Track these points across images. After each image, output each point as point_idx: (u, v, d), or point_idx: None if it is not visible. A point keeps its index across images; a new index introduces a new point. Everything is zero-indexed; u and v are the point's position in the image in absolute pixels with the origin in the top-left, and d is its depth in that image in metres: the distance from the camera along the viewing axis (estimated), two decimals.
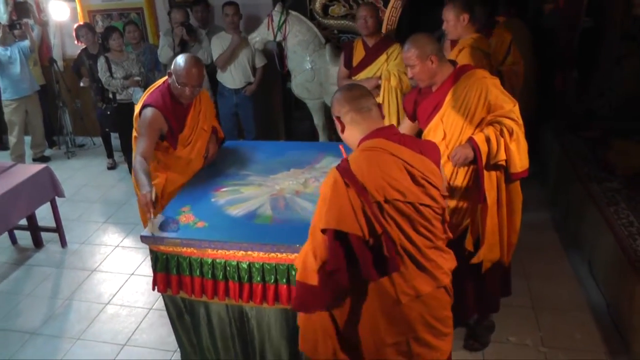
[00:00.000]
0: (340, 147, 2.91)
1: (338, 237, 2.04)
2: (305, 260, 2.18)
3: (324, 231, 2.07)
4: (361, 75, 4.58)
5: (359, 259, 2.05)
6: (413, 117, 3.26)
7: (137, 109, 3.42)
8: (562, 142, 5.05)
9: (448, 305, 2.30)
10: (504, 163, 2.87)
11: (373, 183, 2.07)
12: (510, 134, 2.83)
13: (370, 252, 2.07)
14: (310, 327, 2.32)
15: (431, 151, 2.29)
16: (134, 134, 3.48)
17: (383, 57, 4.54)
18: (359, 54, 4.61)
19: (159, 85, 3.44)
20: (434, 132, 3.01)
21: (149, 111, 3.30)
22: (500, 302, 3.34)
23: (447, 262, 2.26)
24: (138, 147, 3.28)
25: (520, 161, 2.90)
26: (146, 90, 3.51)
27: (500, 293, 3.36)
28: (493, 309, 3.34)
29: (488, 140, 2.81)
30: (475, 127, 2.92)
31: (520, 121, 2.90)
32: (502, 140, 2.81)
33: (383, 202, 2.07)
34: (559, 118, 5.38)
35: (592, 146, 4.80)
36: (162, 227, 2.93)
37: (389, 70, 4.46)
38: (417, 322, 2.21)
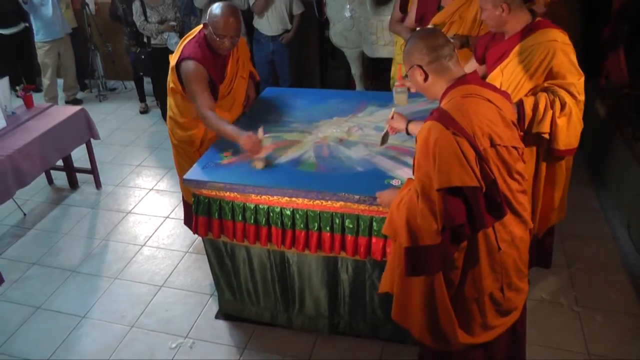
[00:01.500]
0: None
1: (456, 192, 1.98)
2: (413, 223, 2.06)
3: (439, 189, 1.99)
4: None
5: (474, 210, 2.01)
6: (481, 60, 3.15)
7: (172, 60, 3.31)
8: (604, 100, 4.91)
9: (528, 247, 2.32)
10: (546, 136, 2.77)
11: (480, 129, 2.02)
12: (562, 107, 2.71)
13: (483, 200, 2.03)
14: (412, 294, 2.24)
15: (505, 94, 2.28)
16: (170, 84, 3.39)
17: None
18: None
19: (195, 36, 3.31)
20: (493, 82, 2.90)
21: (190, 64, 3.17)
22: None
23: (529, 204, 2.28)
24: (199, 104, 3.13)
25: (566, 138, 2.79)
26: (181, 40, 3.39)
27: (536, 263, 3.32)
28: None
29: (536, 106, 2.70)
30: (531, 89, 2.79)
31: (581, 97, 2.76)
32: (549, 112, 2.71)
33: (489, 148, 2.04)
34: (602, 75, 5.19)
35: (638, 105, 4.65)
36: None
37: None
38: (510, 267, 2.21)
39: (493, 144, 2.06)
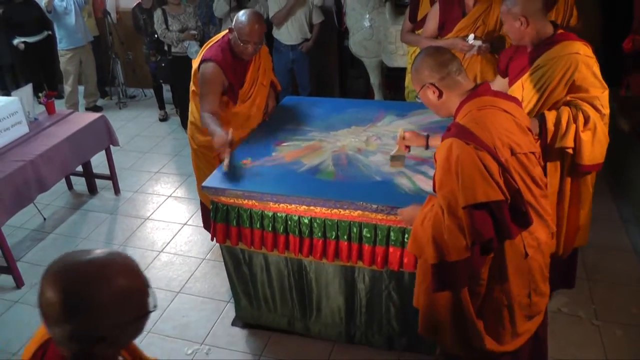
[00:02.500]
0: None
1: (482, 207, 1.99)
2: (440, 240, 2.05)
3: (465, 207, 1.99)
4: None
5: (500, 222, 2.01)
6: (504, 74, 3.11)
7: (195, 64, 3.40)
8: (625, 110, 4.84)
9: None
10: (570, 151, 2.71)
11: (500, 140, 2.03)
12: (586, 122, 2.66)
13: (508, 211, 2.04)
14: (439, 308, 2.25)
15: (515, 100, 2.30)
16: (192, 87, 3.48)
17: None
18: (424, 8, 4.41)
19: (218, 40, 3.40)
20: (513, 95, 2.87)
21: (209, 66, 3.27)
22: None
23: (550, 207, 2.29)
24: (203, 105, 3.25)
25: (591, 154, 2.72)
26: (204, 45, 3.48)
27: (560, 285, 3.29)
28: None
29: (558, 121, 2.65)
30: (553, 103, 2.74)
31: (606, 110, 2.71)
32: (573, 126, 2.65)
33: (510, 157, 2.05)
34: (623, 85, 5.13)
35: None
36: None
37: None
38: (537, 272, 2.23)
39: (513, 153, 2.06)
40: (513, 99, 2.26)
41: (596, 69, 2.72)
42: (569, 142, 2.68)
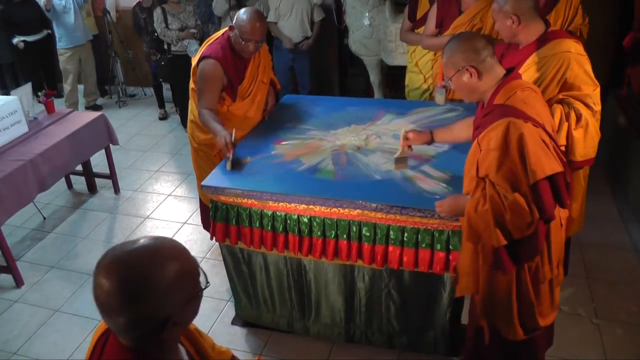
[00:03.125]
0: None
1: (547, 181, 2.10)
2: (502, 221, 2.11)
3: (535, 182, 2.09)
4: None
5: (559, 193, 2.14)
6: None
7: (194, 61, 3.40)
8: (625, 109, 4.83)
9: None
10: (562, 148, 2.72)
11: (545, 118, 2.18)
12: (578, 119, 2.69)
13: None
14: (500, 290, 2.32)
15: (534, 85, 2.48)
16: (191, 85, 3.48)
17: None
18: (423, 7, 4.42)
19: (218, 38, 3.40)
20: None
21: (208, 63, 3.27)
22: None
23: None
24: (201, 102, 3.26)
25: (583, 149, 2.76)
26: (204, 43, 3.48)
27: None
28: None
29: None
30: (545, 101, 2.73)
31: (597, 107, 2.74)
32: (565, 124, 2.68)
33: (553, 133, 2.20)
34: (624, 84, 5.10)
35: None
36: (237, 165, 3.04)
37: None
38: (561, 243, 2.40)
39: (553, 130, 2.24)
40: (533, 85, 2.38)
41: (588, 66, 2.74)
42: (562, 140, 2.71)
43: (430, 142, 2.85)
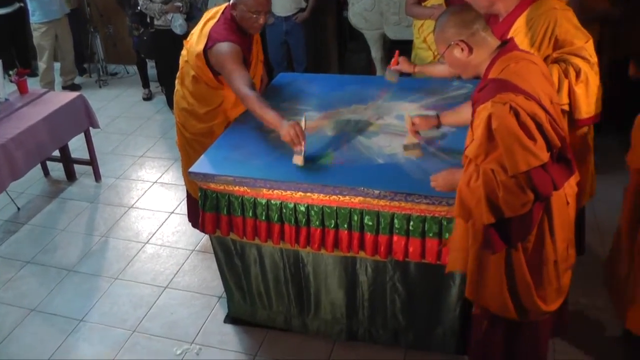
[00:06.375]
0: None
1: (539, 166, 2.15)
2: (494, 198, 2.15)
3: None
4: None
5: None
6: None
7: (197, 46, 3.25)
8: None
9: None
10: (566, 107, 2.78)
11: (542, 90, 2.19)
12: (577, 74, 2.73)
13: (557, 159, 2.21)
14: (489, 269, 2.37)
15: (535, 54, 2.50)
16: (192, 72, 3.33)
17: None
18: None
19: (218, 20, 3.27)
20: None
21: (225, 46, 3.14)
22: None
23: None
24: (238, 84, 3.06)
25: (587, 106, 2.81)
26: (200, 27, 3.32)
27: None
28: None
29: None
30: None
31: (594, 59, 2.79)
32: (565, 81, 2.73)
33: (550, 106, 2.20)
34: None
35: None
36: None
37: None
38: (571, 222, 2.41)
39: (552, 102, 2.24)
40: (532, 54, 2.43)
41: (575, 20, 2.82)
42: (564, 98, 2.76)
43: (438, 126, 2.89)
